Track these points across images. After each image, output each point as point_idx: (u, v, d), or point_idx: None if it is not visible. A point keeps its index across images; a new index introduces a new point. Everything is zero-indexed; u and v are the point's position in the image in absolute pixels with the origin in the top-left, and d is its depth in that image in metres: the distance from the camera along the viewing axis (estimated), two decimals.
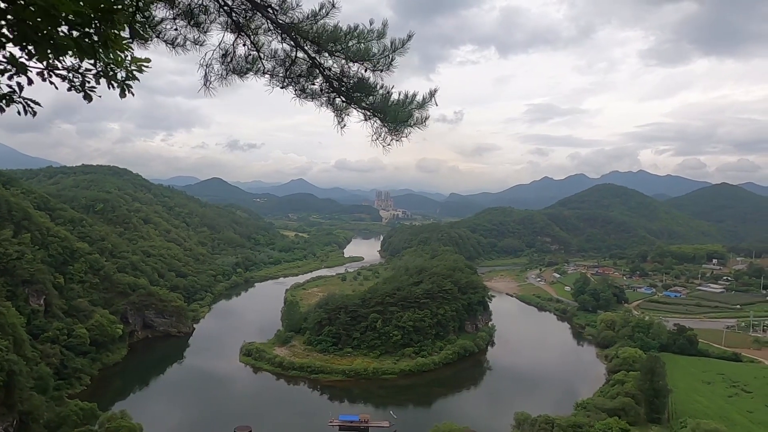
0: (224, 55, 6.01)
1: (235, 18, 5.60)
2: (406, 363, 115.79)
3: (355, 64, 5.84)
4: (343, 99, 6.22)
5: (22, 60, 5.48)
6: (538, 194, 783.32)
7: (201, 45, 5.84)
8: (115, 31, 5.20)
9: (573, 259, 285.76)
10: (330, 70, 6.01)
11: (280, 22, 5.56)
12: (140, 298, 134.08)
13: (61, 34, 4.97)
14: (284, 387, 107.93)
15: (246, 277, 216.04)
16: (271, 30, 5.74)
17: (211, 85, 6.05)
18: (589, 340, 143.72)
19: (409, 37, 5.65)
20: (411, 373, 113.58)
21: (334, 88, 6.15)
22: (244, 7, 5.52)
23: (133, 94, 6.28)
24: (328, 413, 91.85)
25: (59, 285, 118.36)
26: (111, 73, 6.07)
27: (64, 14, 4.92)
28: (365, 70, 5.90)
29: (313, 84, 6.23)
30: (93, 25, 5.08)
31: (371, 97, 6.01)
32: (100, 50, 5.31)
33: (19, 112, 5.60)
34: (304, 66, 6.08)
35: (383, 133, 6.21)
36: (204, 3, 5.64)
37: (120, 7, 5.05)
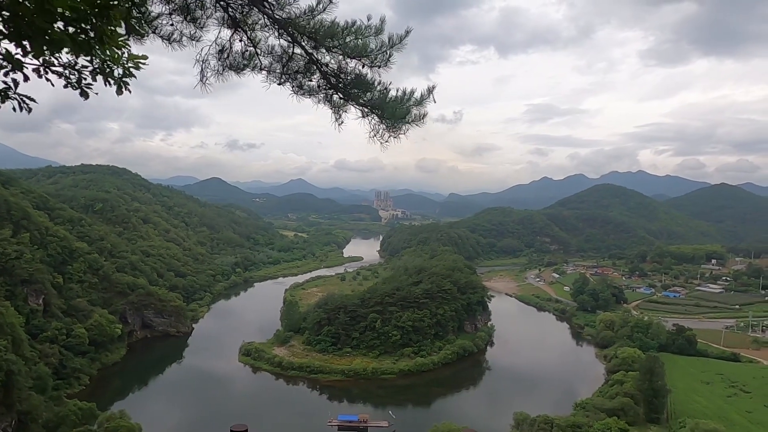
0: (221, 51, 5.97)
1: (231, 13, 5.55)
2: (405, 363, 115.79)
3: (353, 60, 5.81)
4: (341, 95, 6.18)
5: (18, 56, 5.46)
6: (537, 194, 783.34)
7: (197, 41, 5.79)
8: (111, 27, 5.17)
9: (572, 260, 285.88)
10: (327, 66, 5.97)
11: (277, 17, 5.51)
12: (139, 298, 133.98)
13: (57, 29, 4.95)
14: (283, 387, 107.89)
15: (245, 277, 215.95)
16: (267, 26, 5.69)
17: (207, 81, 6.01)
18: (588, 340, 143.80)
19: (407, 32, 5.62)
20: (410, 373, 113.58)
21: (332, 84, 6.12)
22: (240, 2, 5.47)
23: (129, 91, 6.24)
24: (327, 413, 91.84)
25: (58, 285, 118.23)
26: (108, 70, 6.03)
27: (60, 10, 4.89)
28: (363, 66, 5.86)
29: (311, 80, 6.19)
30: (89, 21, 5.05)
31: (369, 94, 5.97)
32: (96, 46, 5.27)
33: (14, 109, 5.56)
34: (301, 62, 6.03)
35: (381, 130, 6.18)
36: None
37: (116, 2, 5.01)
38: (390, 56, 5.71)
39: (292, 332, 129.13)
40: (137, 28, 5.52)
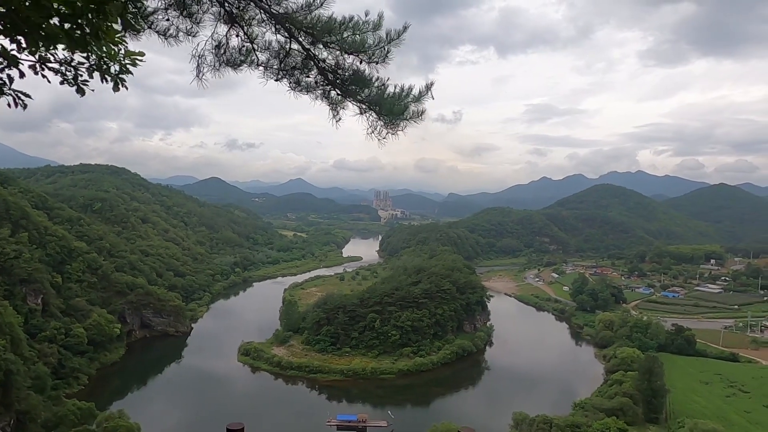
0: (217, 47, 5.93)
1: (228, 8, 5.50)
2: (404, 363, 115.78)
3: (350, 56, 5.77)
4: (338, 92, 6.13)
5: (14, 53, 5.42)
6: (536, 194, 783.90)
7: (194, 36, 5.74)
8: (108, 23, 5.13)
9: (571, 259, 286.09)
10: (324, 62, 5.93)
11: (274, 12, 5.47)
12: (138, 298, 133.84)
13: (52, 25, 4.90)
14: (282, 387, 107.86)
15: (244, 277, 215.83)
16: (264, 21, 5.63)
17: (204, 77, 5.96)
18: (587, 340, 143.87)
19: (405, 28, 5.57)
20: (409, 372, 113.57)
21: (329, 80, 6.07)
22: None
23: (126, 88, 6.19)
24: (326, 413, 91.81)
25: (57, 284, 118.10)
26: (104, 66, 5.99)
27: (55, 5, 4.85)
28: (360, 62, 5.82)
29: (308, 76, 6.14)
30: (84, 17, 5.01)
31: (367, 90, 5.93)
32: (92, 42, 5.23)
33: (9, 105, 5.52)
34: (298, 58, 5.99)
35: (379, 127, 6.14)
36: None
37: None
38: (388, 52, 5.66)
39: (291, 332, 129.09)
40: (133, 23, 5.48)
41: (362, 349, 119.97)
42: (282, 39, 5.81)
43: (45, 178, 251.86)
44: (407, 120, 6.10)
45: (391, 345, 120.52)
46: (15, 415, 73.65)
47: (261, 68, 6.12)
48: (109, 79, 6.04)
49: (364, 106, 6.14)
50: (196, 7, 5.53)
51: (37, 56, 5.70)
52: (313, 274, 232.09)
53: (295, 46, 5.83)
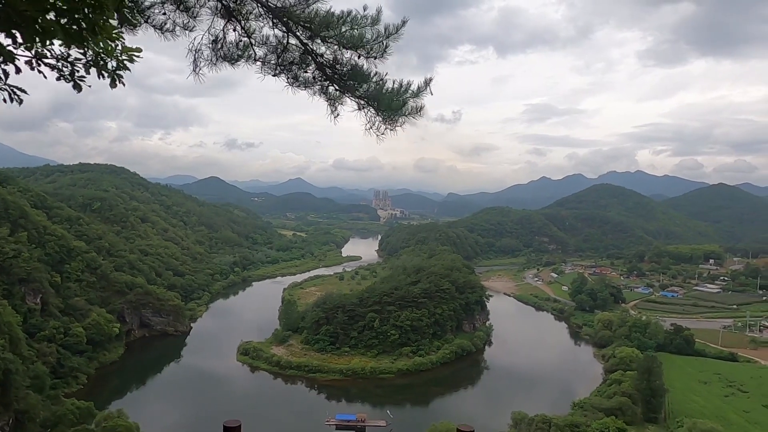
0: (214, 41, 5.89)
1: (225, 2, 5.46)
2: (403, 362, 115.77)
3: (349, 51, 5.73)
4: (337, 87, 6.10)
5: (10, 48, 5.38)
6: (535, 194, 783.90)
7: (191, 30, 5.70)
8: (105, 18, 5.09)
9: (570, 259, 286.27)
10: (323, 56, 5.89)
11: (272, 6, 5.43)
12: (137, 297, 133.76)
13: (48, 19, 4.87)
14: (281, 386, 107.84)
15: (243, 276, 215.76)
16: (262, 15, 5.60)
17: (201, 71, 5.92)
18: (586, 340, 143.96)
19: (404, 22, 5.51)
20: (408, 372, 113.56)
21: (327, 75, 6.04)
22: None
23: (123, 84, 6.16)
24: (325, 412, 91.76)
25: (56, 284, 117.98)
26: (101, 62, 5.95)
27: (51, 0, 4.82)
28: (358, 57, 5.79)
29: (306, 72, 6.11)
30: (81, 11, 4.97)
31: (365, 85, 5.90)
32: (89, 37, 5.20)
33: (4, 100, 5.49)
34: (296, 53, 5.95)
35: (377, 123, 6.11)
36: None
37: None
38: (386, 47, 5.62)
39: (290, 331, 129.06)
40: (129, 18, 5.44)
41: (361, 349, 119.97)
42: (279, 34, 5.78)
43: (44, 177, 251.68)
44: (406, 116, 6.07)
45: (390, 344, 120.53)
46: (14, 414, 73.58)
47: (258, 63, 6.08)
48: (106, 75, 6.01)
49: (362, 102, 6.10)
50: (192, 0, 5.49)
51: (33, 52, 5.67)
52: (312, 273, 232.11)
53: (292, 40, 5.79)
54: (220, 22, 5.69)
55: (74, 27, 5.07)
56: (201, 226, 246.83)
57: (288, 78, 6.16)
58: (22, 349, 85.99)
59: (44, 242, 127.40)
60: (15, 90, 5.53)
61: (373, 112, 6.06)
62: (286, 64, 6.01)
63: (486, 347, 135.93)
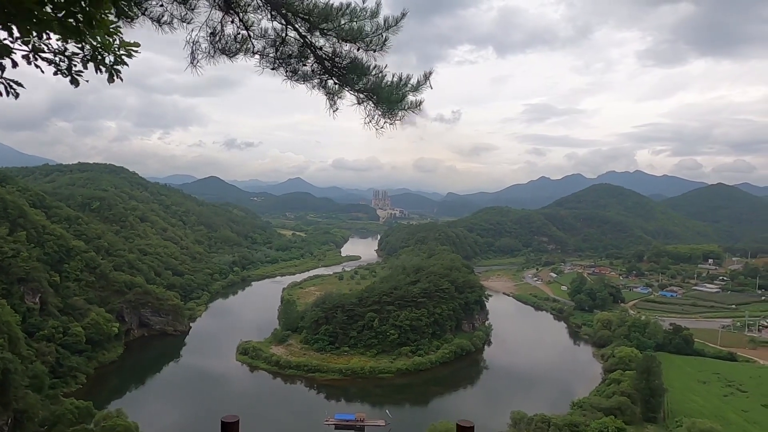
0: (212, 34, 5.84)
1: None
2: (402, 362, 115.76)
3: (348, 43, 5.70)
4: (336, 81, 6.07)
5: (6, 42, 5.35)
6: (535, 194, 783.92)
7: (188, 23, 5.66)
8: (102, 12, 5.05)
9: (570, 259, 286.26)
10: (321, 49, 5.86)
11: None
12: (136, 297, 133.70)
13: (45, 12, 4.84)
14: (281, 386, 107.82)
15: (243, 276, 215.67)
16: (260, 7, 5.56)
17: (198, 64, 5.88)
18: (585, 340, 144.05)
19: (403, 15, 5.47)
20: (408, 372, 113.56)
21: (326, 68, 6.00)
22: None
23: (121, 79, 6.11)
24: (324, 412, 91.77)
25: (55, 283, 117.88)
26: (99, 57, 5.91)
27: None
28: (357, 50, 5.75)
29: (305, 65, 6.08)
30: (78, 4, 4.94)
31: (364, 78, 5.87)
32: (86, 31, 5.16)
33: (0, 93, 5.45)
34: (294, 46, 5.92)
35: (377, 116, 6.08)
36: None
37: None
38: (386, 40, 5.59)
39: (289, 331, 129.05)
40: (126, 10, 5.41)
41: (361, 349, 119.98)
42: (278, 26, 5.73)
43: (43, 176, 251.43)
44: (405, 110, 6.04)
45: (389, 344, 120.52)
46: (12, 414, 73.54)
47: (257, 57, 6.04)
48: (103, 69, 5.97)
49: (362, 96, 6.06)
50: None
51: (30, 46, 5.64)
52: (311, 273, 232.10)
53: (291, 33, 5.75)
54: (218, 15, 5.64)
55: (71, 20, 5.04)
56: (200, 225, 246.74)
57: (287, 72, 6.12)
58: (21, 349, 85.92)
59: (43, 242, 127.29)
60: (11, 83, 5.49)
61: (373, 105, 6.03)
62: (284, 58, 5.97)
63: (485, 347, 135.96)
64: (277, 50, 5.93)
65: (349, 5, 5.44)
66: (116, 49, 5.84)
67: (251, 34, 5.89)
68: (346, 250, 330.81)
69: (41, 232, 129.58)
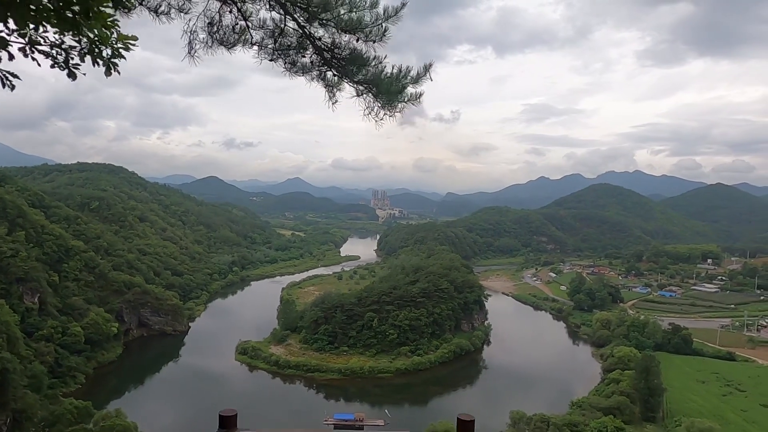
0: (210, 24, 5.80)
1: None
2: (402, 362, 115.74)
3: (347, 34, 5.66)
4: (335, 72, 6.03)
5: (2, 34, 5.31)
6: (534, 194, 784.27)
7: (186, 12, 5.62)
8: (99, 2, 5.01)
9: (569, 259, 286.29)
10: (320, 40, 5.82)
11: None
12: (135, 297, 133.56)
13: (42, 2, 4.80)
14: (280, 385, 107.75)
15: (242, 276, 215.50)
16: None
17: (196, 54, 5.82)
18: (584, 339, 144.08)
19: (403, 4, 5.42)
20: (407, 371, 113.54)
21: (326, 60, 5.96)
22: None
23: (119, 73, 6.07)
24: (323, 412, 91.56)
25: (54, 283, 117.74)
26: (96, 50, 5.88)
27: None
28: (357, 40, 5.71)
29: (304, 56, 6.04)
30: None
31: (364, 69, 5.83)
32: (82, 22, 5.12)
33: None
34: (293, 38, 5.88)
35: (376, 108, 6.05)
36: None
37: None
38: (385, 30, 5.56)
39: (289, 331, 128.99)
40: (124, 0, 5.37)
41: (360, 348, 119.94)
42: (277, 17, 5.69)
43: (42, 176, 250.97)
44: (405, 102, 6.00)
45: (388, 344, 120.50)
46: (11, 413, 73.44)
47: (255, 48, 6.00)
48: (101, 63, 5.93)
49: (361, 88, 6.02)
50: None
51: (26, 38, 5.60)
52: (311, 273, 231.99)
53: (290, 24, 5.71)
54: (215, 4, 5.60)
55: (68, 12, 5.00)
56: (199, 225, 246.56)
57: (285, 63, 6.08)
58: (19, 349, 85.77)
59: (42, 241, 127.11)
60: (7, 75, 5.46)
61: (372, 97, 6.00)
62: (283, 49, 5.93)
63: (484, 346, 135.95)
64: (275, 41, 5.89)
65: None
66: (113, 42, 5.80)
67: (250, 24, 5.85)
68: (346, 250, 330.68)
69: (40, 232, 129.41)
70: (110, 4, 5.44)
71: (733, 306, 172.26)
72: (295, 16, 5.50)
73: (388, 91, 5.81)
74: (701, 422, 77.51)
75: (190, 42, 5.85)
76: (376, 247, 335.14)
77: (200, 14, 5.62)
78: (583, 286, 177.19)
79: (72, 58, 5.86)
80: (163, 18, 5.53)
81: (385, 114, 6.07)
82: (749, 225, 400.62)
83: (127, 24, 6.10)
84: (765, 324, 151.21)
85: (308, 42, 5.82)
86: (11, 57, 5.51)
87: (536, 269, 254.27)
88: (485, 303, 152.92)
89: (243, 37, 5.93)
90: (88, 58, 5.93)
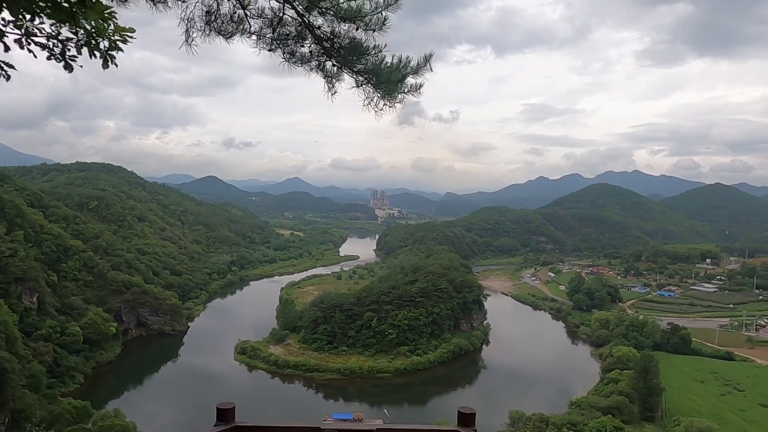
0: (207, 13, 5.75)
1: None
2: (401, 361, 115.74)
3: (346, 23, 5.61)
4: (335, 62, 5.99)
5: None
6: (533, 194, 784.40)
7: (183, 1, 5.56)
8: None
9: (568, 259, 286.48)
10: (320, 29, 5.77)
11: None
12: (134, 296, 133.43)
13: None
14: (279, 385, 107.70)
15: (241, 276, 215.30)
16: None
17: (193, 42, 5.77)
18: (583, 339, 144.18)
19: None
20: (406, 371, 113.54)
21: (325, 49, 5.92)
22: None
23: (116, 65, 6.01)
24: (322, 411, 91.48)
25: (52, 283, 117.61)
26: (93, 42, 5.83)
27: None
28: (356, 29, 5.67)
29: (303, 46, 6.00)
30: None
31: (364, 59, 5.79)
32: (79, 12, 5.07)
33: None
34: (292, 27, 5.83)
35: (376, 99, 6.01)
36: None
37: None
38: (385, 18, 5.52)
39: (288, 331, 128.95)
40: None
41: (359, 348, 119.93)
42: (276, 5, 5.64)
43: (41, 176, 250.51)
44: (405, 93, 5.97)
45: (387, 344, 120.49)
46: (10, 413, 73.29)
47: (254, 38, 5.95)
48: (98, 55, 5.88)
49: (361, 78, 5.99)
50: None
51: (23, 30, 5.55)
52: (310, 272, 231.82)
53: (289, 12, 5.66)
54: None
55: (64, 2, 4.96)
56: (198, 225, 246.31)
57: (284, 53, 6.03)
58: (18, 348, 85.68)
59: (41, 241, 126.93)
60: (2, 65, 5.41)
61: (372, 88, 5.96)
62: (282, 39, 5.88)
63: (483, 346, 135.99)
64: (274, 30, 5.84)
65: None
66: (111, 34, 5.76)
67: (248, 13, 5.80)
68: (345, 249, 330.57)
69: (39, 232, 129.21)
70: None
71: (731, 306, 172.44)
72: (294, 4, 5.46)
73: (388, 81, 5.78)
74: (700, 422, 77.59)
75: (187, 30, 5.79)
76: (375, 247, 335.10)
77: (198, 1, 5.57)
78: (582, 286, 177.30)
79: (68, 50, 5.81)
80: (161, 7, 5.48)
81: (384, 104, 6.04)
82: (748, 225, 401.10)
83: (126, 21, 6.05)
84: (763, 324, 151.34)
85: (307, 31, 5.78)
86: (7, 48, 5.46)
87: (535, 269, 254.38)
88: (484, 303, 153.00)
89: (241, 27, 5.89)
90: (85, 51, 5.89)
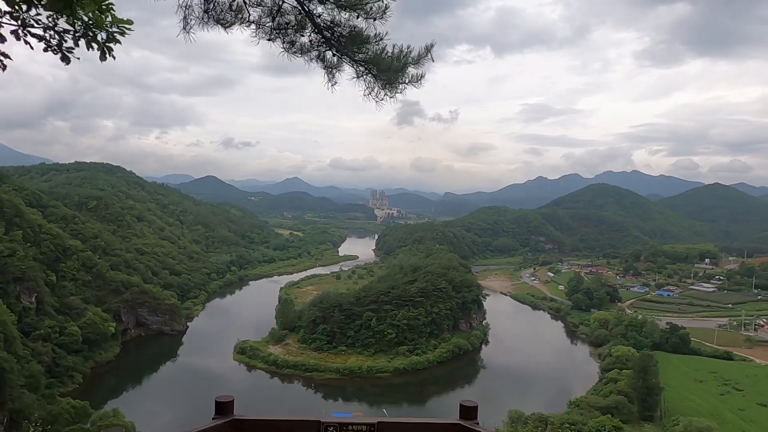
0: (206, 1, 5.69)
1: None
2: (400, 361, 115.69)
3: (347, 11, 5.56)
4: (335, 52, 5.95)
5: None
6: (532, 194, 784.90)
7: None
8: None
9: (567, 259, 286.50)
10: (320, 18, 5.72)
11: None
12: (133, 296, 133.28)
13: None
14: (278, 385, 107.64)
15: (240, 275, 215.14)
16: None
17: (191, 30, 5.71)
18: (582, 339, 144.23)
19: None
20: (405, 371, 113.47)
21: (326, 39, 5.87)
22: None
23: (114, 57, 5.97)
24: (321, 411, 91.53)
25: (51, 282, 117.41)
26: (90, 34, 5.78)
27: None
28: (357, 17, 5.62)
29: (302, 36, 5.95)
30: None
31: (365, 47, 5.74)
32: (76, 4, 5.01)
33: None
34: (291, 16, 5.78)
35: (376, 89, 5.97)
36: None
37: None
38: (386, 6, 5.48)
39: (287, 330, 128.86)
40: None
41: (358, 348, 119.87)
42: None
43: (39, 176, 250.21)
44: (406, 83, 5.93)
45: (387, 343, 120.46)
46: (8, 413, 73.23)
47: (253, 27, 5.90)
48: (95, 47, 5.83)
49: (361, 69, 5.94)
50: None
51: (19, 21, 5.50)
52: (309, 272, 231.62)
53: (289, 0, 5.61)
54: None
55: None
56: (197, 225, 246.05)
57: (284, 43, 5.99)
58: (17, 348, 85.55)
59: (39, 241, 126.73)
60: None
61: (372, 78, 5.92)
62: (281, 28, 5.84)
63: (483, 346, 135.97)
64: (273, 19, 5.79)
65: None
66: (108, 26, 5.71)
67: (247, 1, 5.75)
68: (344, 249, 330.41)
69: (37, 232, 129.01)
70: None
71: (730, 305, 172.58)
72: None
73: (389, 69, 5.74)
74: (699, 421, 77.66)
75: (185, 17, 5.74)
76: (374, 247, 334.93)
77: None
78: (581, 286, 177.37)
79: (65, 42, 5.76)
80: None
81: (385, 95, 6.00)
82: (747, 225, 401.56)
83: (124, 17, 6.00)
84: (762, 323, 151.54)
85: (307, 20, 5.73)
86: (3, 39, 5.41)
87: (534, 269, 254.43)
88: (483, 302, 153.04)
89: (240, 16, 5.83)
90: (82, 43, 5.84)
